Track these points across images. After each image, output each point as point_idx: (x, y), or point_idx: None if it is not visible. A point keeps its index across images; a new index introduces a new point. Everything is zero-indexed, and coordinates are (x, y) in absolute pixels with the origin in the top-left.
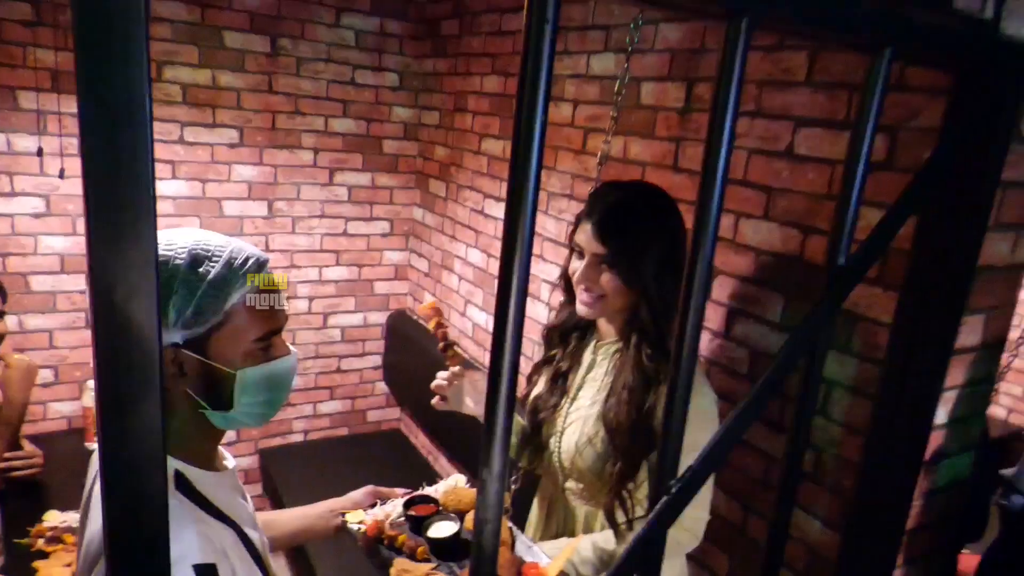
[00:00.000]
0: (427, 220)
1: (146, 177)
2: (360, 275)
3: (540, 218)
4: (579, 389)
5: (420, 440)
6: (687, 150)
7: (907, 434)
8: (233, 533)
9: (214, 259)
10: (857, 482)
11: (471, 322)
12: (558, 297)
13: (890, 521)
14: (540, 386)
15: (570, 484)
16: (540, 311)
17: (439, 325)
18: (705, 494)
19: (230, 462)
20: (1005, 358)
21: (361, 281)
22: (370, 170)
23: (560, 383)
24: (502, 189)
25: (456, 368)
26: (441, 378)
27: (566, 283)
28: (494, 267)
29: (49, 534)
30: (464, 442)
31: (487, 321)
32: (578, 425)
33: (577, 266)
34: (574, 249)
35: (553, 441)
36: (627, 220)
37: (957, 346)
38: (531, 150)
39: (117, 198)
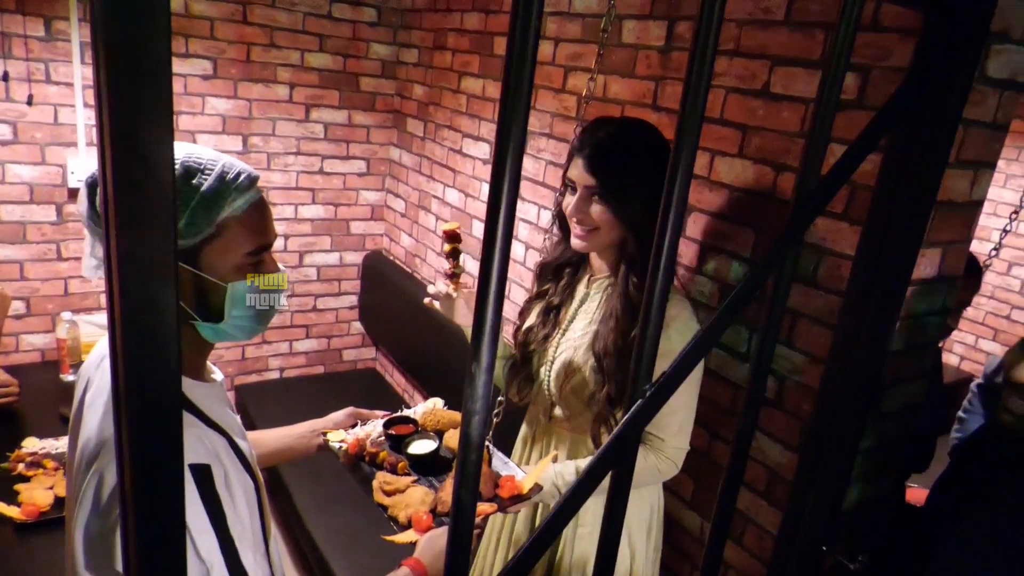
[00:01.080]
0: (404, 160)
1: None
2: (336, 214)
3: None
4: (571, 322)
5: (395, 379)
6: (667, 89)
7: (864, 360)
8: (224, 440)
9: (206, 172)
10: (815, 406)
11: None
12: (537, 236)
13: (845, 441)
14: (532, 319)
15: (557, 412)
16: (517, 250)
17: (455, 252)
18: (686, 426)
19: (218, 375)
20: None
21: (337, 220)
22: (347, 107)
23: (552, 316)
24: (481, 128)
25: (454, 291)
26: (439, 288)
27: (560, 220)
28: (472, 207)
29: (29, 459)
30: (438, 380)
31: (463, 260)
32: (568, 355)
33: (570, 201)
34: (568, 185)
35: (544, 370)
36: (617, 153)
37: (914, 277)
38: (520, 91)
39: (137, 106)
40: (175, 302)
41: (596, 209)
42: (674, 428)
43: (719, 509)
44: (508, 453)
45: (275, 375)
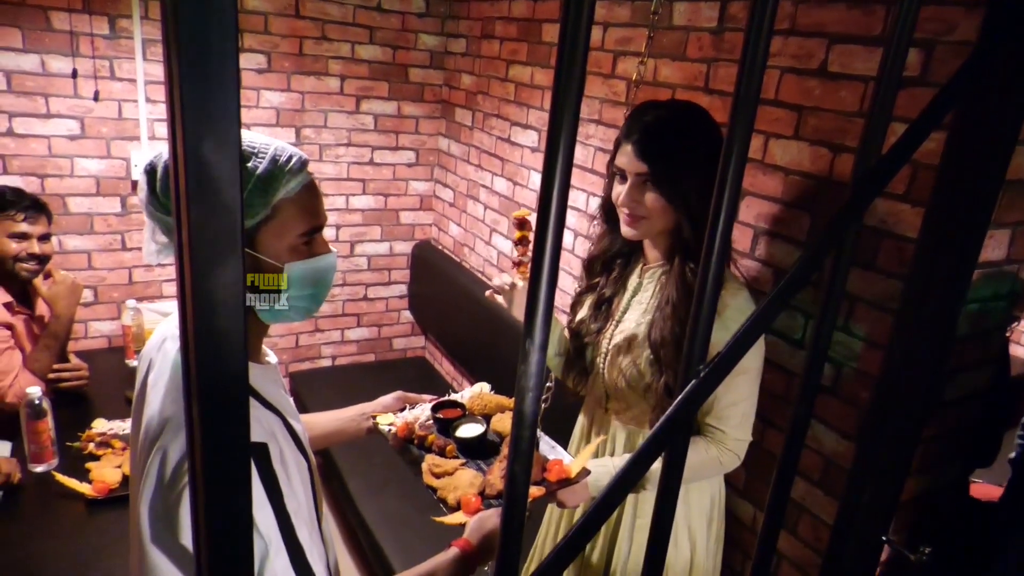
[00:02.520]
0: (452, 150)
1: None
2: (386, 204)
3: None
4: (624, 312)
5: (444, 367)
6: (719, 71)
7: (927, 346)
8: (279, 420)
9: (260, 155)
10: (875, 393)
11: (496, 250)
12: (585, 223)
13: (906, 430)
14: (584, 312)
15: (613, 405)
16: (566, 237)
17: (524, 240)
18: (748, 417)
19: (272, 358)
20: None
21: (387, 211)
22: (396, 99)
23: (604, 308)
24: (529, 116)
25: (520, 280)
26: (503, 280)
27: (606, 211)
28: (520, 195)
29: (99, 439)
30: (486, 368)
31: (512, 249)
32: (624, 347)
33: (620, 190)
34: (615, 174)
35: (599, 361)
36: (667, 138)
37: (981, 260)
38: (572, 79)
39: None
40: (243, 278)
41: (648, 196)
42: (736, 420)
43: (773, 499)
44: (565, 445)
45: (327, 363)
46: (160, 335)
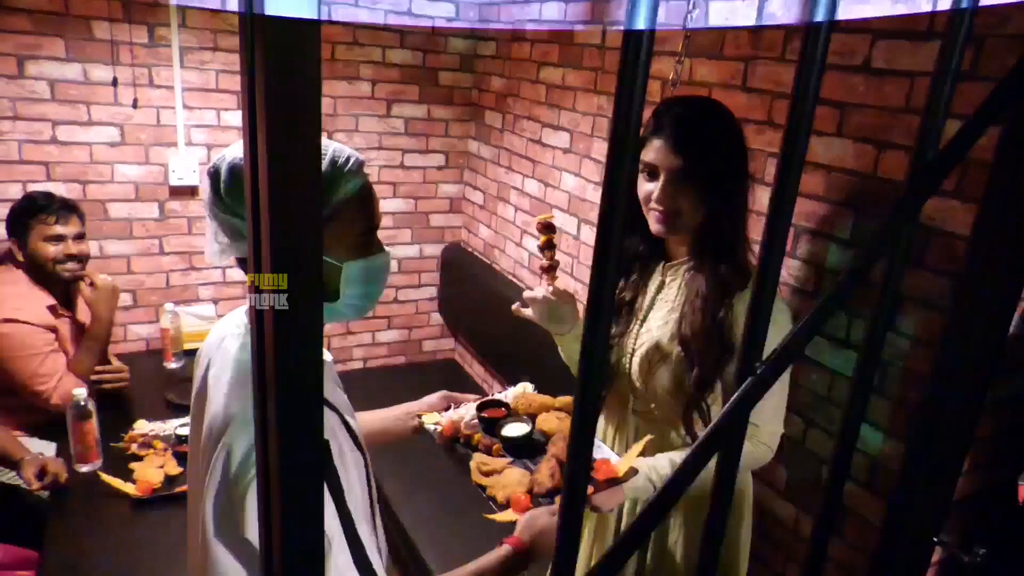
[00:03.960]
0: (482, 152)
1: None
2: (416, 207)
3: (600, 144)
4: (649, 311)
5: (475, 369)
6: (757, 69)
7: (980, 344)
8: (337, 417)
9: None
10: (926, 393)
11: (527, 252)
12: None
13: (958, 430)
14: None
15: (640, 406)
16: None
17: (550, 244)
18: (780, 410)
19: (327, 356)
20: None
21: (417, 213)
22: (426, 102)
23: (625, 311)
24: (561, 118)
25: (551, 289)
26: (535, 293)
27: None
28: (552, 196)
29: (141, 440)
30: (517, 370)
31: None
32: (651, 344)
33: (650, 188)
34: (642, 171)
35: (624, 362)
36: (700, 131)
37: None
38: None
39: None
40: (321, 279)
41: (684, 192)
42: (768, 413)
43: (824, 505)
44: None
45: (359, 365)
46: (219, 334)
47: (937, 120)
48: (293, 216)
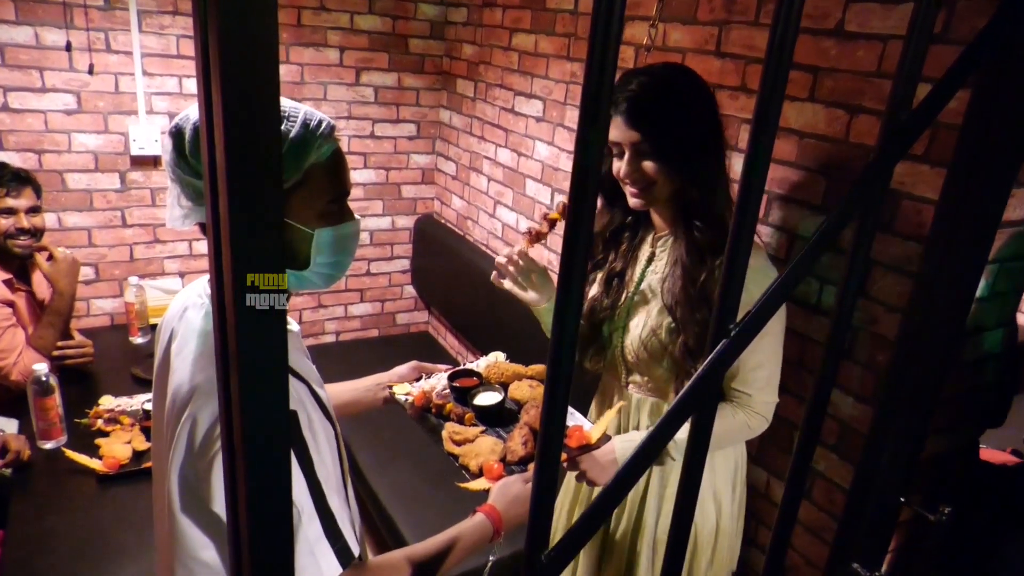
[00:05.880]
0: (454, 122)
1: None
2: (387, 178)
3: (574, 112)
4: (639, 284)
5: (449, 342)
6: (731, 33)
7: (947, 307)
8: (305, 387)
9: (291, 119)
10: (894, 355)
11: (500, 222)
12: None
13: (924, 392)
14: (595, 288)
15: (634, 377)
16: None
17: (554, 222)
18: (774, 379)
19: (293, 326)
20: None
21: (388, 184)
22: (396, 70)
23: (616, 283)
24: (534, 86)
25: (519, 250)
26: (500, 257)
27: (603, 187)
28: (525, 166)
29: (107, 415)
30: (491, 342)
31: (516, 220)
32: (642, 318)
33: (619, 165)
34: (611, 149)
35: (616, 336)
36: (656, 102)
37: (1004, 219)
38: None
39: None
40: (282, 245)
41: (647, 164)
42: (761, 383)
43: (794, 468)
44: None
45: (331, 339)
46: (180, 304)
47: (909, 83)
48: (253, 183)
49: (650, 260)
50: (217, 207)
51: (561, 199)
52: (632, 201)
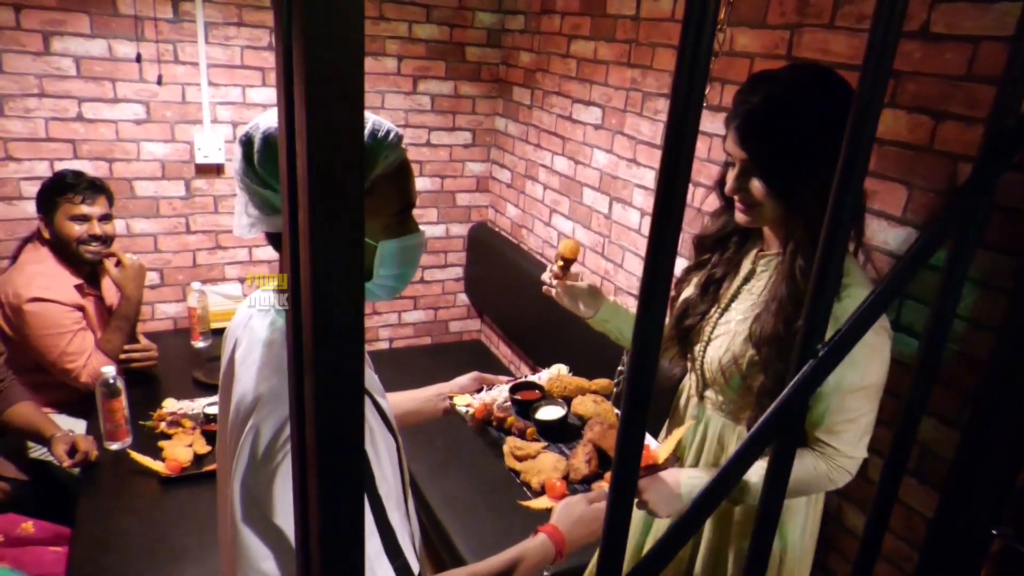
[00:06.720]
0: (510, 129)
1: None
2: (443, 187)
3: (634, 119)
4: (732, 299)
5: (501, 350)
6: (804, 36)
7: None
8: (367, 400)
9: None
10: (985, 377)
11: (556, 231)
12: (651, 202)
13: (1017, 417)
14: (690, 290)
15: (709, 393)
16: (632, 216)
17: (568, 264)
18: (866, 435)
19: None
20: None
21: (444, 192)
22: (452, 78)
23: (712, 290)
24: (592, 93)
25: (556, 284)
26: (545, 276)
27: (721, 190)
28: (582, 174)
29: (170, 418)
30: (544, 351)
31: (573, 230)
32: (726, 339)
33: (730, 176)
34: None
35: (698, 348)
36: (771, 122)
37: None
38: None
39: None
40: (362, 258)
41: (755, 184)
42: (851, 436)
43: (879, 496)
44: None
45: (384, 345)
46: (246, 313)
47: (1017, 86)
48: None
49: (748, 277)
50: (296, 219)
51: (569, 240)
52: (739, 216)
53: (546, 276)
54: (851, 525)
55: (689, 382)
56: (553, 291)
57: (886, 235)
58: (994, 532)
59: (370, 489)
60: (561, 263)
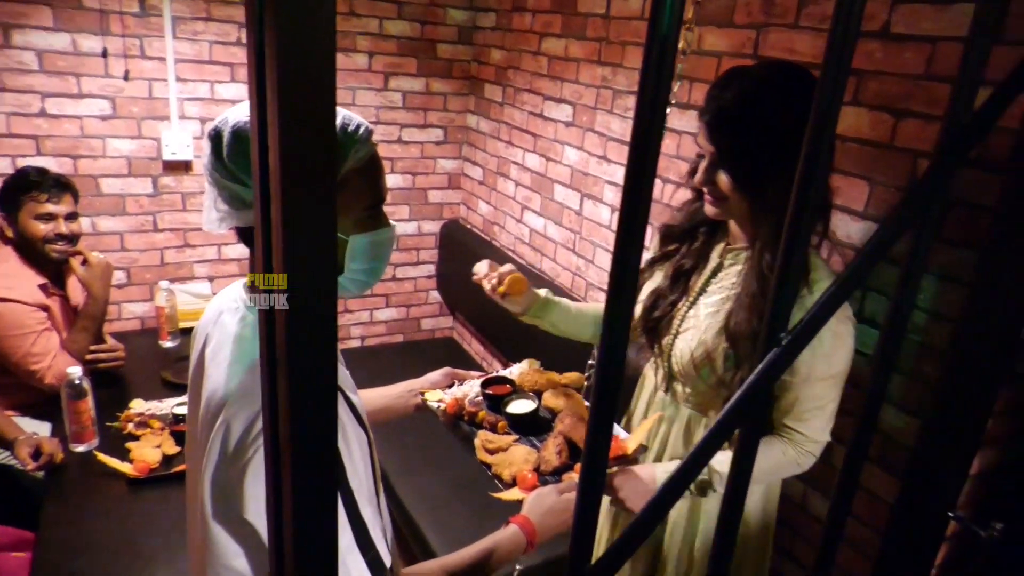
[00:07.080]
0: (481, 127)
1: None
2: (414, 183)
3: (604, 117)
4: (700, 293)
5: (474, 347)
6: (769, 36)
7: (1001, 316)
8: (339, 395)
9: None
10: (944, 367)
11: (528, 228)
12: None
13: (976, 404)
14: (658, 280)
15: (677, 387)
16: (603, 213)
17: (505, 295)
18: (831, 420)
19: None
20: None
21: (415, 190)
22: (424, 75)
23: (682, 281)
24: (563, 90)
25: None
26: (487, 282)
27: (694, 179)
28: (553, 171)
29: (137, 419)
30: (516, 348)
31: (544, 226)
32: (695, 333)
33: (700, 168)
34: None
35: (667, 341)
36: (740, 118)
37: None
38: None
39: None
40: (335, 252)
41: (722, 178)
42: (818, 423)
43: (842, 482)
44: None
45: (356, 343)
46: (216, 309)
47: (973, 82)
48: (307, 189)
49: (717, 271)
50: (268, 213)
51: (509, 268)
52: (708, 208)
53: (481, 276)
54: (816, 512)
55: (653, 374)
56: (486, 285)
57: (849, 229)
58: (951, 515)
59: (343, 484)
60: (502, 291)
